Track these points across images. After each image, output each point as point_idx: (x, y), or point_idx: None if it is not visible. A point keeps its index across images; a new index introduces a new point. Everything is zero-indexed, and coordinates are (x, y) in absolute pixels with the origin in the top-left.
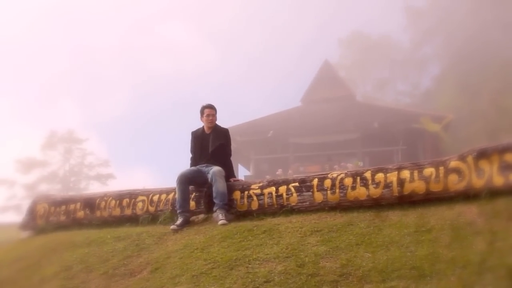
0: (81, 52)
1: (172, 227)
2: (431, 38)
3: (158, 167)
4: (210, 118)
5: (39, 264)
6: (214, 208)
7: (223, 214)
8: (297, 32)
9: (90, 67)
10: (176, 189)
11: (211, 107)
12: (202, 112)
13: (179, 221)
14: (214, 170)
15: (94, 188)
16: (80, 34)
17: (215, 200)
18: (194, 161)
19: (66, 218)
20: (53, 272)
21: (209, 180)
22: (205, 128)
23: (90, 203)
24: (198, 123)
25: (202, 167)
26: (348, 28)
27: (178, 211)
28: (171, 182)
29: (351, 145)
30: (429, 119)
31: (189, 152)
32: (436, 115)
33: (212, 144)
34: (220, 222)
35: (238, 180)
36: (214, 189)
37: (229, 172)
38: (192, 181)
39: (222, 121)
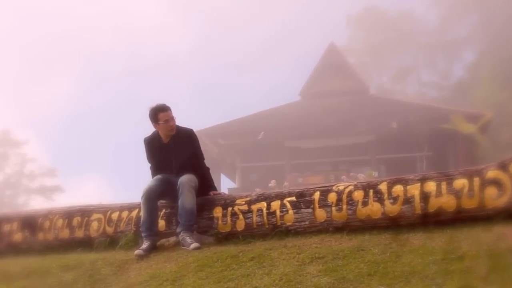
0: (15, 28)
1: (136, 252)
2: (465, 15)
3: (117, 175)
4: (171, 123)
5: None
6: (178, 230)
7: (191, 238)
8: (295, 8)
9: (25, 48)
10: (142, 208)
11: (167, 108)
12: (155, 118)
13: (145, 245)
14: (182, 180)
15: (36, 204)
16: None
17: (179, 219)
18: (156, 171)
19: None
20: None
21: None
22: (162, 137)
23: (30, 223)
24: None
25: (170, 177)
26: (359, 2)
27: (143, 234)
28: (135, 195)
29: (363, 151)
30: (462, 118)
31: (146, 160)
32: (471, 112)
33: (176, 158)
34: (192, 246)
35: (219, 194)
36: (180, 203)
37: (208, 184)
38: (161, 196)
39: (199, 120)
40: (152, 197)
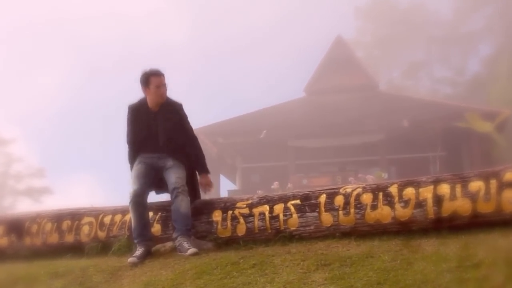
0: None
1: (129, 260)
2: (480, 6)
3: (109, 176)
4: (162, 90)
5: None
6: (174, 235)
7: (188, 243)
8: (299, 1)
9: (10, 40)
10: (131, 213)
11: (160, 74)
12: (146, 81)
13: (139, 251)
14: (175, 183)
15: (24, 207)
16: None
17: (175, 224)
18: (136, 150)
19: None
20: None
21: (169, 191)
22: (151, 104)
23: (17, 227)
24: None
25: (153, 159)
26: None
27: (136, 241)
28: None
29: (372, 151)
30: (478, 116)
31: (125, 137)
32: (487, 110)
33: (164, 129)
34: (189, 251)
35: (208, 181)
36: (173, 208)
37: (197, 163)
38: (148, 192)
39: (196, 118)
40: (140, 201)
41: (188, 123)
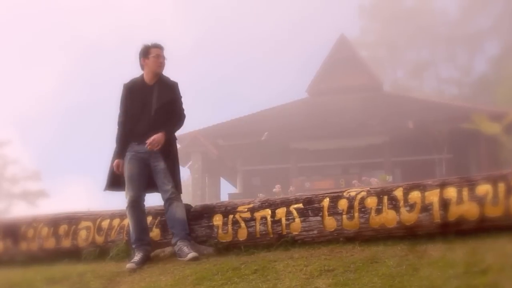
0: None
1: (128, 266)
2: (488, 5)
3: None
4: (161, 60)
5: None
6: (174, 240)
7: (188, 247)
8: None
9: (7, 42)
10: (129, 218)
11: (161, 46)
12: (146, 53)
13: (137, 257)
14: (167, 191)
15: (19, 211)
16: None
17: (172, 230)
18: (125, 126)
19: None
20: None
21: (162, 198)
22: (147, 78)
23: (12, 232)
24: None
25: (144, 155)
26: None
27: (134, 246)
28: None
29: (376, 153)
30: (485, 117)
31: (117, 116)
32: (495, 111)
33: (157, 100)
34: (189, 256)
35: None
36: (169, 215)
37: (166, 127)
38: (145, 194)
39: (197, 119)
40: (136, 206)
41: (181, 103)
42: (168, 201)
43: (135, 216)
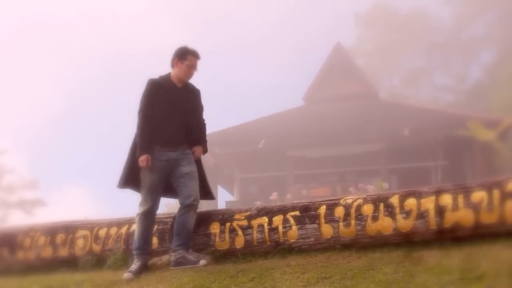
0: None
1: (126, 275)
2: (482, 12)
3: (104, 187)
4: (193, 71)
5: None
6: (174, 245)
7: (192, 256)
8: (299, 4)
9: (1, 50)
10: (137, 225)
11: (199, 57)
12: (183, 56)
13: (136, 265)
14: (190, 196)
15: (16, 220)
16: None
17: (177, 236)
18: (152, 122)
19: None
20: None
21: (181, 202)
22: (176, 80)
23: (9, 241)
24: None
25: (169, 158)
26: (368, 0)
27: (135, 252)
28: (125, 209)
29: (372, 160)
30: (480, 124)
31: (140, 109)
32: (489, 118)
33: (187, 105)
34: (202, 263)
35: (202, 148)
36: (181, 221)
37: (200, 136)
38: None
39: None
40: (150, 215)
41: (203, 110)
42: (188, 207)
43: (144, 225)
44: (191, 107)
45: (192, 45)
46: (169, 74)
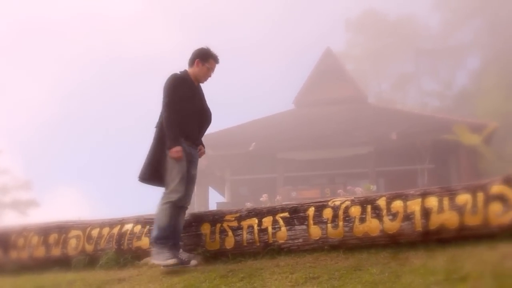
0: None
1: (166, 262)
2: (469, 20)
3: (97, 188)
4: (210, 75)
5: None
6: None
7: (183, 254)
8: (289, 9)
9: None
10: (168, 215)
11: (218, 61)
12: (205, 59)
13: (185, 255)
14: (189, 201)
15: (9, 220)
16: None
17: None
18: (180, 115)
19: None
20: None
21: None
22: (194, 78)
23: (2, 241)
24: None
25: (193, 154)
26: (358, 6)
27: (159, 242)
28: (118, 209)
29: (361, 163)
30: (465, 129)
31: (169, 102)
32: (475, 123)
33: (204, 102)
34: (193, 263)
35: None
36: (177, 223)
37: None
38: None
39: None
40: (181, 206)
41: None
42: (184, 210)
43: (174, 213)
44: (206, 107)
45: (185, 49)
46: (187, 72)
